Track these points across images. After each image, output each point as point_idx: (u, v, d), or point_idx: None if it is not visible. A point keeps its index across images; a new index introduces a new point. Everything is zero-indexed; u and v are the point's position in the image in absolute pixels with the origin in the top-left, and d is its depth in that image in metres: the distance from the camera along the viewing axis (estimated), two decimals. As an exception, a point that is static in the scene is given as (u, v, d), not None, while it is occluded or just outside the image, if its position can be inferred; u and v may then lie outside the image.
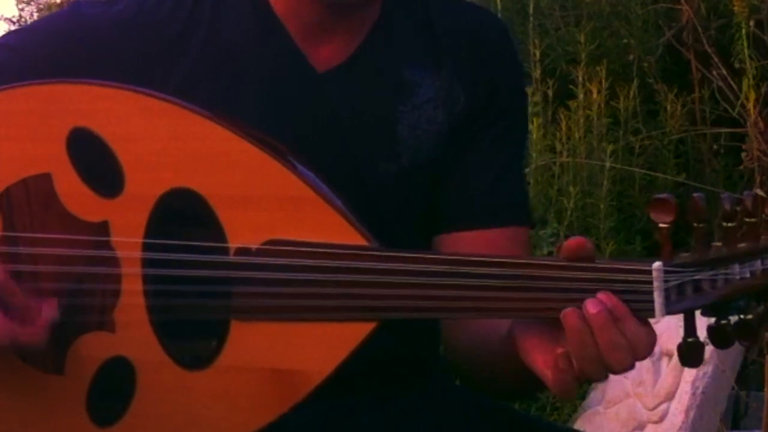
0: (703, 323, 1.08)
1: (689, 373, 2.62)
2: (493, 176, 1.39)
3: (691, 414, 2.61)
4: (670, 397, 2.64)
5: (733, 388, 2.82)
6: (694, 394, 2.61)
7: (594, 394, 2.80)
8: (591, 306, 1.07)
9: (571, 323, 1.08)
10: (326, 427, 1.35)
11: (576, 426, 2.73)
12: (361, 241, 1.15)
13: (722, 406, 2.72)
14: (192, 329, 1.20)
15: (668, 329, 2.39)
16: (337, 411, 1.35)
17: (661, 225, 1.05)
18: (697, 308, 1.06)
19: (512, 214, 1.39)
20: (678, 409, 2.62)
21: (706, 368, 2.61)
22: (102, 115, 1.23)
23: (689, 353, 1.06)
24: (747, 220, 1.06)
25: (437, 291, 1.12)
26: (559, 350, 1.10)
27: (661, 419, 2.65)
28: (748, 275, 1.06)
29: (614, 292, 1.06)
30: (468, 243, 1.36)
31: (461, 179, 1.39)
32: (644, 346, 1.08)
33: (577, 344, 1.08)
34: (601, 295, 1.07)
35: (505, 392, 1.41)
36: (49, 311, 1.22)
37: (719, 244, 1.05)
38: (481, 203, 1.38)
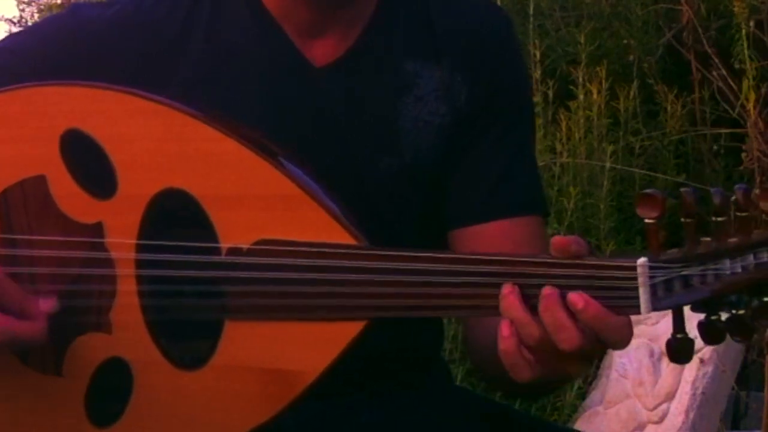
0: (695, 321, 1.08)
1: (689, 374, 2.61)
2: (503, 168, 1.38)
3: (691, 414, 2.61)
4: (670, 397, 2.64)
5: (733, 389, 2.82)
6: (694, 394, 2.61)
7: (594, 395, 2.79)
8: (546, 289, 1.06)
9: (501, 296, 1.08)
10: (325, 426, 1.36)
11: (576, 426, 2.73)
12: (351, 240, 1.15)
13: (722, 407, 2.72)
14: (186, 329, 1.20)
15: (668, 329, 2.38)
16: (336, 410, 1.35)
17: (647, 221, 1.04)
18: (686, 304, 1.04)
19: (525, 204, 1.39)
20: (678, 409, 2.62)
21: (706, 369, 2.61)
22: (94, 116, 1.23)
23: (678, 350, 1.06)
24: (738, 214, 1.04)
25: (427, 289, 1.12)
26: (503, 323, 1.09)
27: (661, 419, 2.65)
28: (739, 270, 1.04)
29: (601, 288, 1.06)
30: (483, 237, 1.36)
31: (470, 173, 1.38)
32: (611, 334, 1.06)
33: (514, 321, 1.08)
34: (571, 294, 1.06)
35: (521, 392, 1.40)
36: (47, 304, 1.22)
37: (709, 239, 1.05)
38: (492, 195, 1.37)
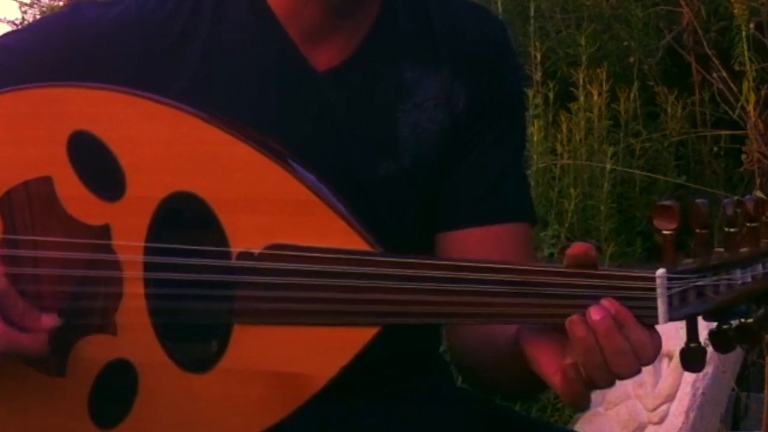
0: (704, 327, 1.08)
1: (689, 375, 2.61)
2: (495, 174, 1.39)
3: (692, 415, 2.61)
4: (670, 398, 2.64)
5: (733, 390, 2.82)
6: (694, 395, 2.61)
7: (594, 395, 2.79)
8: (594, 313, 1.07)
9: (577, 331, 1.08)
10: (328, 429, 1.36)
11: (576, 427, 2.73)
12: (364, 246, 1.15)
13: (722, 408, 2.72)
14: (194, 332, 1.20)
15: (668, 330, 2.37)
16: (338, 413, 1.35)
17: (664, 232, 1.05)
18: (700, 314, 1.05)
19: (515, 211, 1.40)
20: (678, 410, 2.62)
21: (707, 369, 2.61)
22: (102, 118, 1.23)
23: (692, 358, 1.07)
24: (748, 224, 1.06)
25: (440, 297, 1.12)
26: (567, 360, 1.10)
27: (662, 420, 2.65)
28: (749, 279, 1.06)
29: (618, 298, 1.06)
30: (471, 241, 1.37)
31: (463, 177, 1.39)
32: (649, 351, 1.08)
33: (583, 352, 1.08)
34: (605, 302, 1.07)
35: (507, 392, 1.42)
36: (49, 319, 1.22)
37: (721, 249, 1.05)
38: (483, 200, 1.38)
